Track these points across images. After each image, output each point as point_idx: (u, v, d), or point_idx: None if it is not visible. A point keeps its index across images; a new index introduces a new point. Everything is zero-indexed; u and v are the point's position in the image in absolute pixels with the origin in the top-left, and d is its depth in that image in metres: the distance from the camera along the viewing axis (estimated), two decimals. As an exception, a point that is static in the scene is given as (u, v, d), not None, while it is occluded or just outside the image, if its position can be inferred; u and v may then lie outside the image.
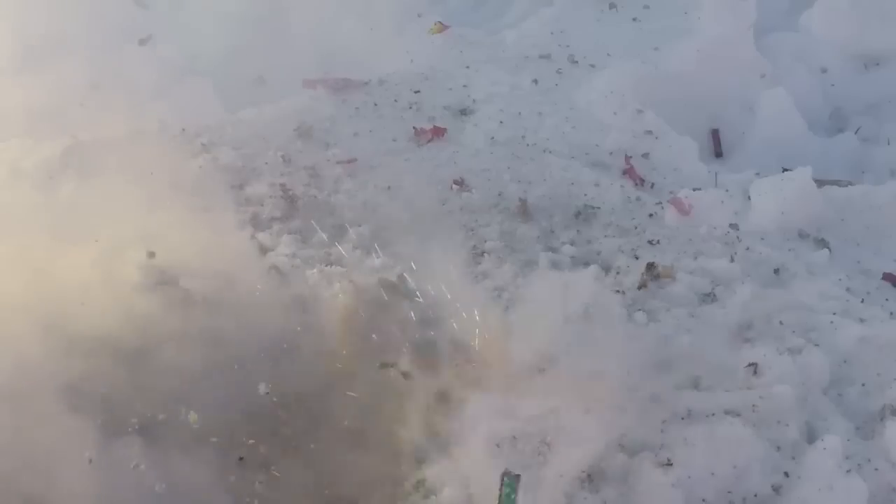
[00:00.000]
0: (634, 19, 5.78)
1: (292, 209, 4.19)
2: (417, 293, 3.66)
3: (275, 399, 3.39)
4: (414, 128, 4.75)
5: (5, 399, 3.18)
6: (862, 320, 3.65)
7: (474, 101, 5.03)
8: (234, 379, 3.42)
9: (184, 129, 4.64)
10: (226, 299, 3.60)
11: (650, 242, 4.05)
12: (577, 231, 4.15)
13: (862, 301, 3.81)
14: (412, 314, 3.60)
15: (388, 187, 4.34)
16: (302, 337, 3.56)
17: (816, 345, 3.48)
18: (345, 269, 3.82)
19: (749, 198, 4.34)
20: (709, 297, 3.75)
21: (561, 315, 3.46)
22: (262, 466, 3.24)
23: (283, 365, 3.48)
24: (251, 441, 3.30)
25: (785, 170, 4.56)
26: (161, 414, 3.30)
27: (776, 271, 3.92)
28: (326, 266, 3.84)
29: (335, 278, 3.76)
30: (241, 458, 3.25)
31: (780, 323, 3.59)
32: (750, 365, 3.37)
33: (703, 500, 3.00)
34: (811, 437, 3.19)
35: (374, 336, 3.54)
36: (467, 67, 5.31)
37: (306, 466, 3.25)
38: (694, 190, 4.39)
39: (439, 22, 5.64)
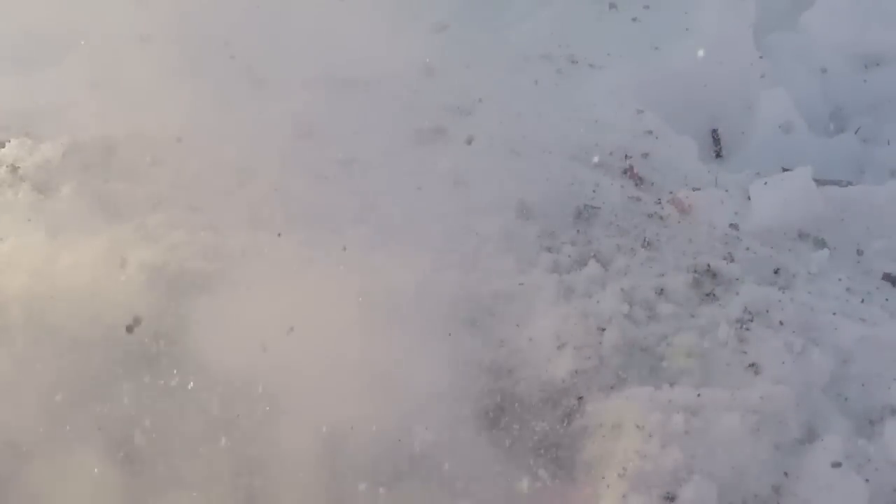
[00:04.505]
0: (634, 19, 5.78)
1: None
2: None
3: None
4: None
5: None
6: (862, 320, 3.65)
7: (474, 101, 5.03)
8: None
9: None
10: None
11: (650, 242, 4.05)
12: (578, 231, 4.15)
13: (862, 301, 3.80)
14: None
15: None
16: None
17: (816, 345, 3.47)
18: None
19: (749, 198, 4.34)
20: (709, 297, 3.75)
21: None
22: None
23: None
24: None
25: (785, 170, 4.57)
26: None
27: (776, 271, 3.92)
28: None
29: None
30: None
31: (781, 323, 3.59)
32: (750, 365, 3.37)
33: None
34: (811, 437, 3.19)
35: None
36: (467, 67, 5.31)
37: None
38: (694, 190, 4.40)
39: None
